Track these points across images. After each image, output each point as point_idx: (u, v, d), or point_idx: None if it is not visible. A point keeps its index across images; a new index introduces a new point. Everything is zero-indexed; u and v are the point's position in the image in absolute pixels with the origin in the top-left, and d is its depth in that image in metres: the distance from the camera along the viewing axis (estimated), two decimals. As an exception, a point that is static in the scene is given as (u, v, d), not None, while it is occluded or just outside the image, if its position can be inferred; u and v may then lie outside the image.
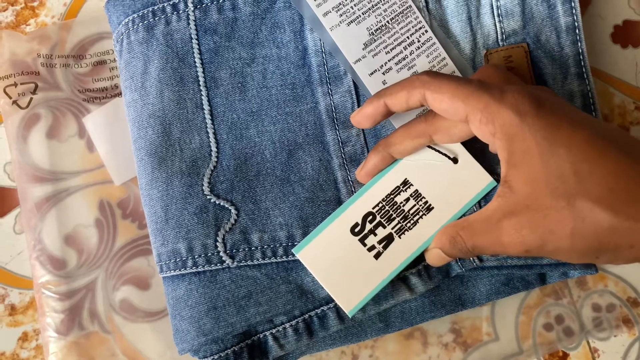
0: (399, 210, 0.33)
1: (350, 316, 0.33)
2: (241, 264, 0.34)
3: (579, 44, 0.35)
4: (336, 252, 0.33)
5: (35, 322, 0.39)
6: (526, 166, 0.28)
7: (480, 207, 0.33)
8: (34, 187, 0.39)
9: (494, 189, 0.33)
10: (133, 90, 0.36)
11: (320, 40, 0.36)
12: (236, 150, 0.35)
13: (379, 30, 0.36)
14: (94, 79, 0.41)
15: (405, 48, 0.36)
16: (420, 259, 0.34)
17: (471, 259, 0.34)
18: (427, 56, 0.36)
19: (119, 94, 0.40)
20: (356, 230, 0.33)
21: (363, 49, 0.36)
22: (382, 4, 0.36)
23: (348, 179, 0.36)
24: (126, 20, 0.36)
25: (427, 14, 0.36)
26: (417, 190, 0.34)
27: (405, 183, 0.34)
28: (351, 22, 0.36)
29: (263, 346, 0.35)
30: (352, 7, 0.36)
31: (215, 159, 0.35)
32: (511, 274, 0.36)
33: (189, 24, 0.36)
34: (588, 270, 0.35)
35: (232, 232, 0.34)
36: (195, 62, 0.36)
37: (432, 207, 0.33)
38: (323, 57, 0.36)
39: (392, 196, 0.34)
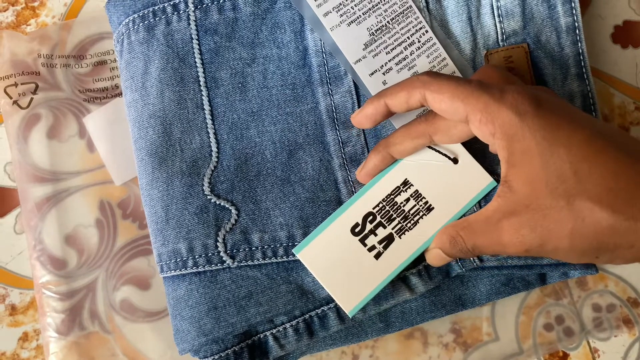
0: (399, 211, 0.33)
1: (350, 316, 0.33)
2: (242, 264, 0.34)
3: (579, 44, 0.35)
4: (336, 252, 0.33)
5: (35, 322, 0.39)
6: (526, 166, 0.28)
7: (481, 207, 0.33)
8: (34, 187, 0.39)
9: (494, 189, 0.33)
10: (133, 90, 0.36)
11: (320, 40, 0.36)
12: (237, 150, 0.36)
13: (380, 31, 0.36)
14: (95, 79, 0.41)
15: (405, 48, 0.36)
16: (420, 259, 0.34)
17: (471, 259, 0.34)
18: (428, 56, 0.36)
19: (120, 94, 0.40)
20: (356, 230, 0.33)
21: (363, 49, 0.36)
22: (383, 4, 0.36)
23: (348, 179, 0.36)
24: (127, 20, 0.36)
25: (427, 14, 0.36)
26: (417, 191, 0.34)
27: (406, 183, 0.34)
28: (351, 22, 0.36)
29: (263, 346, 0.35)
30: (352, 8, 0.36)
31: (216, 159, 0.35)
32: (511, 274, 0.36)
33: (189, 24, 0.36)
34: (588, 270, 0.36)
35: (233, 232, 0.34)
36: (195, 62, 0.36)
37: (433, 207, 0.33)
38: (323, 58, 0.36)
39: (392, 196, 0.34)
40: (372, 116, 0.33)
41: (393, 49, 0.36)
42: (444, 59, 0.36)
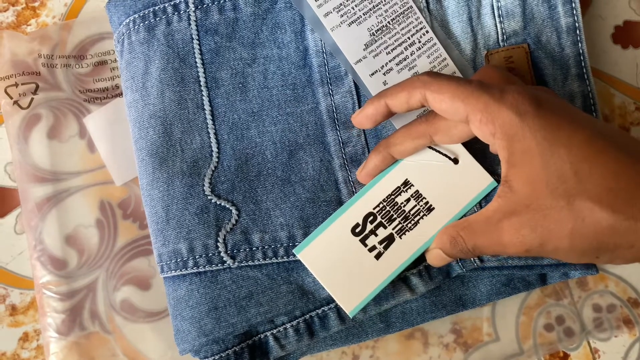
0: (399, 211, 0.33)
1: (351, 316, 0.33)
2: (242, 264, 0.34)
3: (580, 44, 0.35)
4: (337, 252, 0.33)
5: (36, 322, 0.39)
6: (526, 166, 0.28)
7: (481, 207, 0.33)
8: (34, 188, 0.39)
9: (495, 189, 0.33)
10: (134, 90, 0.36)
11: (321, 40, 0.36)
12: (237, 150, 0.36)
13: (380, 31, 0.36)
14: (95, 79, 0.41)
15: (406, 49, 0.36)
16: (421, 259, 0.34)
17: (472, 259, 0.34)
18: (428, 57, 0.36)
19: (120, 94, 0.40)
20: (357, 230, 0.33)
21: (364, 50, 0.36)
22: (383, 5, 0.36)
23: (349, 180, 0.36)
24: (127, 20, 0.36)
25: (428, 15, 0.36)
26: (417, 191, 0.34)
27: (406, 183, 0.34)
28: (352, 22, 0.36)
29: (264, 346, 0.35)
30: (353, 8, 0.36)
31: (216, 160, 0.35)
32: (512, 274, 0.36)
33: (190, 24, 0.36)
34: (589, 270, 0.36)
35: (233, 232, 0.34)
36: (196, 62, 0.36)
37: (433, 208, 0.33)
38: (324, 58, 0.36)
39: (392, 197, 0.34)
40: (372, 116, 0.33)
41: (393, 49, 0.36)
42: (445, 59, 0.36)
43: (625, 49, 0.41)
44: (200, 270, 0.34)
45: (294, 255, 0.34)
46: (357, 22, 0.36)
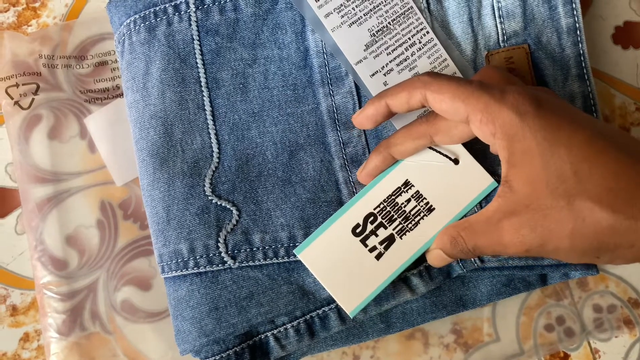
0: (400, 211, 0.33)
1: (351, 317, 0.33)
2: (243, 265, 0.34)
3: (580, 45, 0.35)
4: (337, 252, 0.33)
5: (36, 322, 0.39)
6: (526, 166, 0.28)
7: (482, 208, 0.33)
8: (35, 188, 0.39)
9: (495, 190, 0.33)
10: (135, 91, 0.36)
11: (321, 41, 0.36)
12: (238, 151, 0.36)
13: (381, 32, 0.36)
14: (96, 80, 0.41)
15: (406, 49, 0.36)
16: (421, 259, 0.34)
17: (472, 259, 0.34)
18: (429, 57, 0.36)
19: (121, 95, 0.40)
20: (357, 231, 0.33)
21: (364, 50, 0.36)
22: (384, 6, 0.36)
23: (349, 180, 0.36)
24: (128, 21, 0.37)
25: (428, 15, 0.36)
26: (418, 191, 0.34)
27: (407, 184, 0.34)
28: (352, 23, 0.36)
29: (264, 347, 0.35)
30: (353, 9, 0.36)
31: (217, 160, 0.35)
32: (512, 274, 0.36)
33: (190, 24, 0.36)
34: (589, 271, 0.36)
35: (234, 232, 0.34)
36: (196, 63, 0.36)
37: (433, 208, 0.33)
38: (324, 58, 0.36)
39: (393, 197, 0.34)
40: (373, 117, 0.33)
41: (394, 49, 0.36)
42: (445, 59, 0.36)
43: (626, 49, 0.41)
44: (201, 270, 0.34)
45: (295, 256, 0.34)
46: (357, 22, 0.36)
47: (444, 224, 0.33)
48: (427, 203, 0.33)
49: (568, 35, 0.35)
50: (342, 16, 0.36)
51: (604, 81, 0.41)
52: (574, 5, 0.35)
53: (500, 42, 0.36)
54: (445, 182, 0.33)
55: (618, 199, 0.26)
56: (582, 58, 0.35)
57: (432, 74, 0.31)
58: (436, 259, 0.33)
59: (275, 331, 0.34)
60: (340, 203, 0.35)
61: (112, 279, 0.38)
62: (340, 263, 0.33)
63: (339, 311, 0.35)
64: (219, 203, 0.35)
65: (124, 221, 0.39)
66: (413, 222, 0.33)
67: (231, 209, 0.35)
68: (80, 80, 0.40)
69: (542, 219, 0.28)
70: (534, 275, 0.37)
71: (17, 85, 0.40)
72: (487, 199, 0.33)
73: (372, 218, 0.33)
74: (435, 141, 0.33)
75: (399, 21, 0.36)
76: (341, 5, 0.36)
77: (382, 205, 0.34)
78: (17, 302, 0.39)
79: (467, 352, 0.38)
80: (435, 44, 0.36)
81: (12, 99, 0.39)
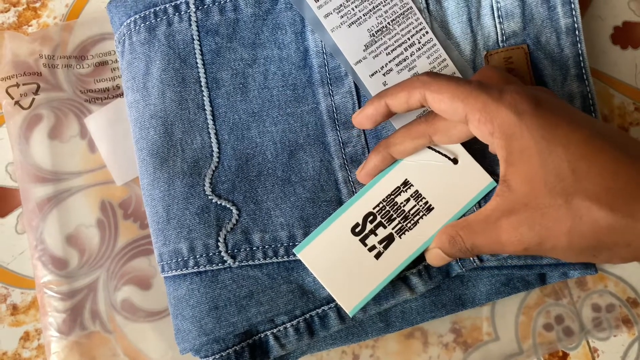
0: (399, 211, 0.34)
1: (351, 316, 0.33)
2: (242, 264, 0.34)
3: (579, 45, 0.35)
4: (337, 252, 0.33)
5: (37, 321, 0.39)
6: (524, 165, 0.28)
7: (481, 207, 0.33)
8: (35, 188, 0.39)
9: (494, 189, 0.33)
10: (135, 90, 0.36)
11: (321, 41, 0.37)
12: (237, 150, 0.36)
13: (380, 32, 0.36)
14: (96, 80, 0.41)
15: (405, 49, 0.36)
16: (420, 259, 0.34)
17: (471, 259, 0.34)
18: (428, 57, 0.36)
19: (121, 95, 0.40)
20: (357, 230, 0.33)
21: (364, 50, 0.36)
22: (383, 6, 0.36)
23: (349, 180, 0.36)
24: (128, 21, 0.37)
25: (427, 16, 0.36)
26: (417, 191, 0.34)
27: (406, 183, 0.34)
28: (352, 23, 0.36)
29: (264, 346, 0.35)
30: (353, 9, 0.36)
31: (217, 160, 0.35)
32: (511, 274, 0.36)
33: (190, 25, 0.36)
34: (588, 270, 0.36)
35: (234, 232, 0.34)
36: (197, 63, 0.36)
37: (433, 208, 0.33)
38: (324, 58, 0.37)
39: (392, 196, 0.34)
40: (372, 116, 0.33)
41: (393, 50, 0.36)
42: (444, 59, 0.36)
43: (625, 49, 0.41)
44: (201, 269, 0.34)
45: (294, 255, 0.34)
46: (357, 23, 0.36)
47: (443, 223, 0.33)
48: (426, 202, 0.33)
49: (567, 35, 0.35)
50: (342, 16, 0.36)
51: (603, 81, 0.41)
52: (572, 6, 0.35)
53: (499, 42, 0.36)
54: (444, 182, 0.34)
55: (616, 197, 0.26)
56: (581, 58, 0.35)
57: (432, 74, 0.31)
58: (435, 258, 0.33)
59: (274, 330, 0.35)
60: (340, 202, 0.35)
61: (112, 278, 0.38)
62: (340, 262, 0.33)
63: (339, 310, 0.35)
64: (218, 202, 0.35)
65: (124, 220, 0.39)
66: (412, 222, 0.33)
67: (231, 208, 0.35)
68: (80, 80, 0.41)
69: (540, 217, 0.28)
70: (533, 274, 0.37)
71: (17, 85, 0.40)
72: (486, 198, 0.34)
73: (371, 217, 0.33)
74: (435, 141, 0.33)
75: (398, 21, 0.36)
76: (341, 5, 0.36)
77: (381, 205, 0.34)
78: (18, 301, 0.39)
79: (466, 352, 0.38)
80: (435, 44, 0.36)
81: (12, 98, 0.40)
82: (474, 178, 0.33)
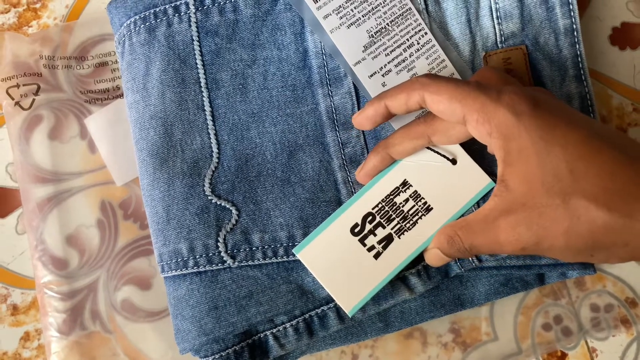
0: (398, 211, 0.34)
1: (350, 316, 0.33)
2: (242, 264, 0.34)
3: (577, 46, 0.35)
4: (336, 252, 0.33)
5: (37, 321, 0.39)
6: (522, 165, 0.28)
7: (479, 207, 0.34)
8: (36, 188, 0.39)
9: (492, 189, 0.33)
10: (135, 91, 0.36)
11: (320, 42, 0.37)
12: (237, 151, 0.36)
13: (379, 33, 0.36)
14: (96, 80, 0.41)
15: (404, 50, 0.36)
16: (419, 259, 0.34)
17: (470, 259, 0.35)
18: (427, 58, 0.36)
19: (121, 95, 0.41)
20: (356, 230, 0.33)
21: (363, 51, 0.36)
22: (382, 7, 0.36)
23: (348, 180, 0.36)
24: (128, 22, 0.37)
25: (426, 17, 0.36)
26: (416, 191, 0.34)
27: (405, 184, 0.34)
28: (351, 24, 0.36)
29: (264, 346, 0.35)
30: (352, 10, 0.36)
31: (217, 160, 0.35)
32: (510, 274, 0.37)
33: (190, 25, 0.36)
34: (586, 270, 0.36)
35: (233, 232, 0.35)
36: (196, 63, 0.36)
37: (431, 208, 0.34)
38: (323, 59, 0.37)
39: (391, 197, 0.34)
40: (372, 117, 0.33)
41: (392, 50, 0.36)
42: (443, 60, 0.36)
43: (623, 50, 0.41)
44: (201, 270, 0.34)
45: (294, 255, 0.34)
46: (356, 24, 0.36)
47: (442, 223, 0.33)
48: (425, 203, 0.34)
49: (565, 36, 0.35)
50: (341, 17, 0.36)
51: (601, 82, 0.41)
52: (571, 7, 0.35)
53: (498, 43, 0.36)
54: (443, 182, 0.34)
55: (614, 197, 0.26)
56: (579, 59, 0.35)
57: (431, 76, 0.31)
58: (434, 258, 0.33)
59: (274, 330, 0.35)
60: (339, 203, 0.36)
61: (112, 278, 0.38)
62: (339, 262, 0.33)
63: (338, 310, 0.35)
64: (218, 203, 0.35)
65: (124, 221, 0.39)
66: (411, 222, 0.33)
67: (230, 208, 0.35)
68: (80, 80, 0.41)
69: (537, 217, 0.28)
70: (532, 274, 0.37)
71: (17, 85, 0.40)
72: (485, 199, 0.34)
73: (370, 218, 0.34)
74: (433, 141, 0.33)
75: (398, 22, 0.36)
76: (340, 6, 0.36)
77: (380, 205, 0.34)
78: (18, 301, 0.39)
79: (465, 351, 0.38)
80: (434, 45, 0.36)
81: (13, 99, 0.40)
82: (472, 178, 0.34)
